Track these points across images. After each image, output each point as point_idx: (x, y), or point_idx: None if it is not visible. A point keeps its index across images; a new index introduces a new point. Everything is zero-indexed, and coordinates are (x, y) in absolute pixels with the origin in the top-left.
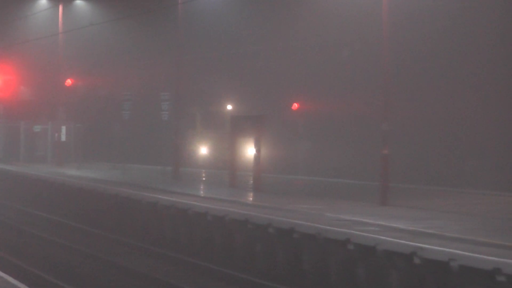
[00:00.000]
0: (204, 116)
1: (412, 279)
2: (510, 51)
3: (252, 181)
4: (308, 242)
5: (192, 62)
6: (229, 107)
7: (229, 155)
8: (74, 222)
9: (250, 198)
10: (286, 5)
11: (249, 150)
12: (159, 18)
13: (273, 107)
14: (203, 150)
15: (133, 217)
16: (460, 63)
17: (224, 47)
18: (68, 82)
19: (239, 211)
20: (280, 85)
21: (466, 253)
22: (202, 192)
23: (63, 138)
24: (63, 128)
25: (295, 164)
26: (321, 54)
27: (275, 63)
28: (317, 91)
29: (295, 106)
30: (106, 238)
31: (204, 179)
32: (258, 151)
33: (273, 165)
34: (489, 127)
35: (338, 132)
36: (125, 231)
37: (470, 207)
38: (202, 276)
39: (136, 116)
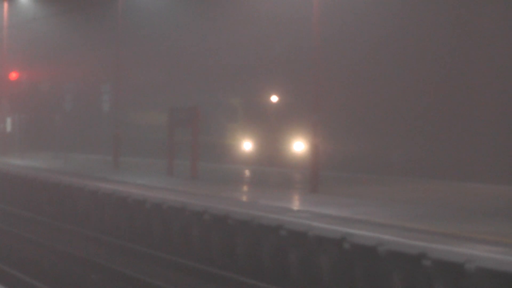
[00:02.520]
0: (246, 108)
1: (341, 263)
2: (435, 44)
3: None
4: (242, 228)
5: (132, 55)
6: (274, 98)
7: (168, 144)
8: (18, 209)
9: (186, 186)
10: (225, 3)
11: (295, 145)
12: (100, 13)
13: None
14: (247, 145)
15: (75, 205)
16: (388, 56)
17: (163, 41)
18: (13, 75)
19: (176, 199)
20: (214, 79)
21: (393, 238)
22: (140, 180)
23: (8, 128)
24: (8, 119)
25: (234, 153)
26: (255, 49)
27: (211, 58)
28: (253, 85)
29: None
30: (49, 225)
31: (145, 168)
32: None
33: (211, 153)
34: (415, 116)
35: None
36: (67, 218)
37: (398, 194)
38: (141, 261)
39: (77, 107)
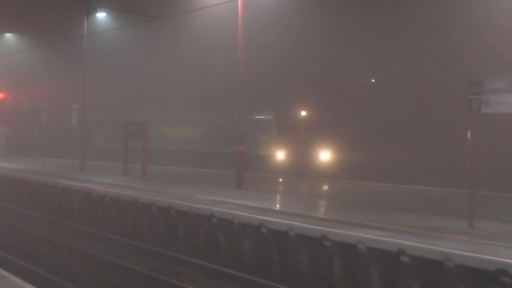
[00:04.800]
0: (278, 121)
1: (260, 245)
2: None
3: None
4: (182, 217)
5: (95, 80)
6: (303, 113)
7: (123, 150)
8: (2, 203)
9: (138, 184)
10: (169, 37)
11: (322, 155)
12: (69, 46)
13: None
14: (280, 155)
15: (49, 199)
16: (297, 84)
17: (123, 68)
18: (0, 95)
19: (130, 194)
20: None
21: (301, 224)
22: (101, 180)
23: None
24: None
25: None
26: (193, 74)
27: (161, 80)
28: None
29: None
30: (27, 215)
31: (106, 170)
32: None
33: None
34: (325, 125)
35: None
36: (42, 210)
37: (309, 191)
38: (102, 243)
39: (52, 121)
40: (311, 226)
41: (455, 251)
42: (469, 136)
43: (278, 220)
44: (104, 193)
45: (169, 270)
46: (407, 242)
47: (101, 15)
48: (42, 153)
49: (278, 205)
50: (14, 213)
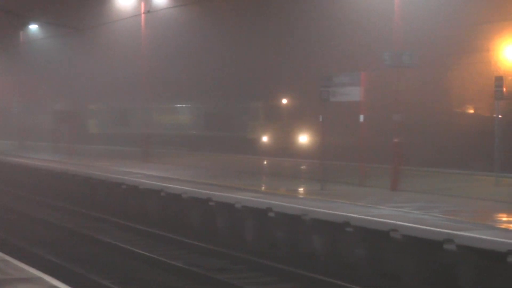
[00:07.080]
0: (264, 109)
1: (160, 205)
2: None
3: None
4: (100, 184)
5: (33, 79)
6: (284, 101)
7: (53, 132)
8: None
9: (66, 159)
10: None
11: (301, 138)
12: (12, 54)
13: None
14: (264, 138)
15: None
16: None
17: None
18: None
19: (61, 167)
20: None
21: (192, 189)
22: (37, 156)
23: None
24: None
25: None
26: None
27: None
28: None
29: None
30: None
31: (41, 149)
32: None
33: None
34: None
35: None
36: None
37: (201, 163)
38: (43, 207)
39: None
40: (199, 190)
41: (311, 208)
42: (320, 120)
43: (174, 186)
44: (37, 167)
45: (90, 225)
46: (273, 202)
47: (33, 27)
48: None
49: (174, 175)
50: None
